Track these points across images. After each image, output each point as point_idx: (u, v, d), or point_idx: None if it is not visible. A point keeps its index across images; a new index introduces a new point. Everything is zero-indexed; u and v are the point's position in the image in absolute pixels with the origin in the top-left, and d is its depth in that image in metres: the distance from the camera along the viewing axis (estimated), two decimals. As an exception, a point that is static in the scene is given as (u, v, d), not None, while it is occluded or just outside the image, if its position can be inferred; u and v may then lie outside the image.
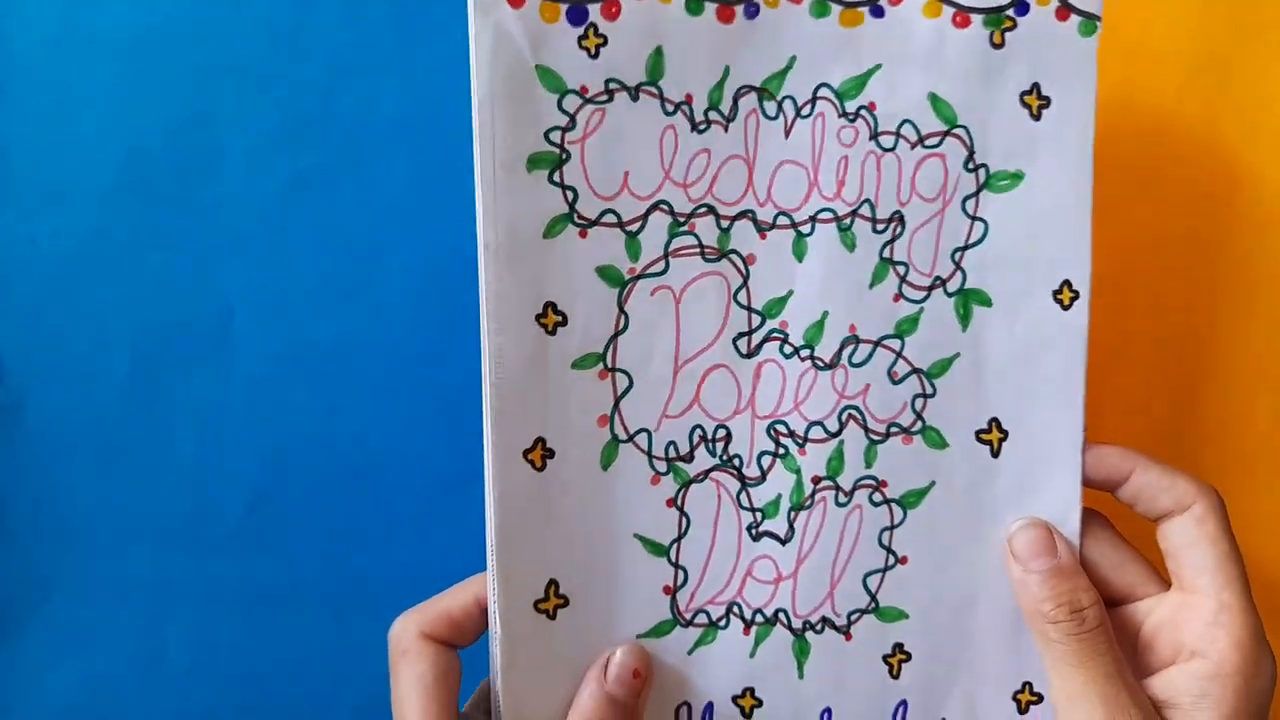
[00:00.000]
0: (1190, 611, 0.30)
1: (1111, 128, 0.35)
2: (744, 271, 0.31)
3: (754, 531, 0.32)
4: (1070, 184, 0.31)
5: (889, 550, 0.32)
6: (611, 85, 0.29)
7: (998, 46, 0.30)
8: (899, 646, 0.32)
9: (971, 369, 0.31)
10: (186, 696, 0.36)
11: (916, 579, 0.32)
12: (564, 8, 0.29)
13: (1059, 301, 0.31)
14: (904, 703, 0.32)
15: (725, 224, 0.30)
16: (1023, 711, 0.32)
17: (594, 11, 0.29)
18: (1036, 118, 0.31)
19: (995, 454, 0.32)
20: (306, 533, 0.36)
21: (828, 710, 0.32)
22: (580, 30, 0.29)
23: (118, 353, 0.36)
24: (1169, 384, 0.36)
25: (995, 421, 0.32)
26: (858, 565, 0.32)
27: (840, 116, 0.30)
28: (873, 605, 0.32)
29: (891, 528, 0.32)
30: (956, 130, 0.31)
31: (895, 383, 0.31)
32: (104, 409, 0.36)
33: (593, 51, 0.29)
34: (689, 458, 0.31)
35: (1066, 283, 0.31)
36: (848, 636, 0.32)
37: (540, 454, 0.30)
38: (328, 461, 0.36)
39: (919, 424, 0.32)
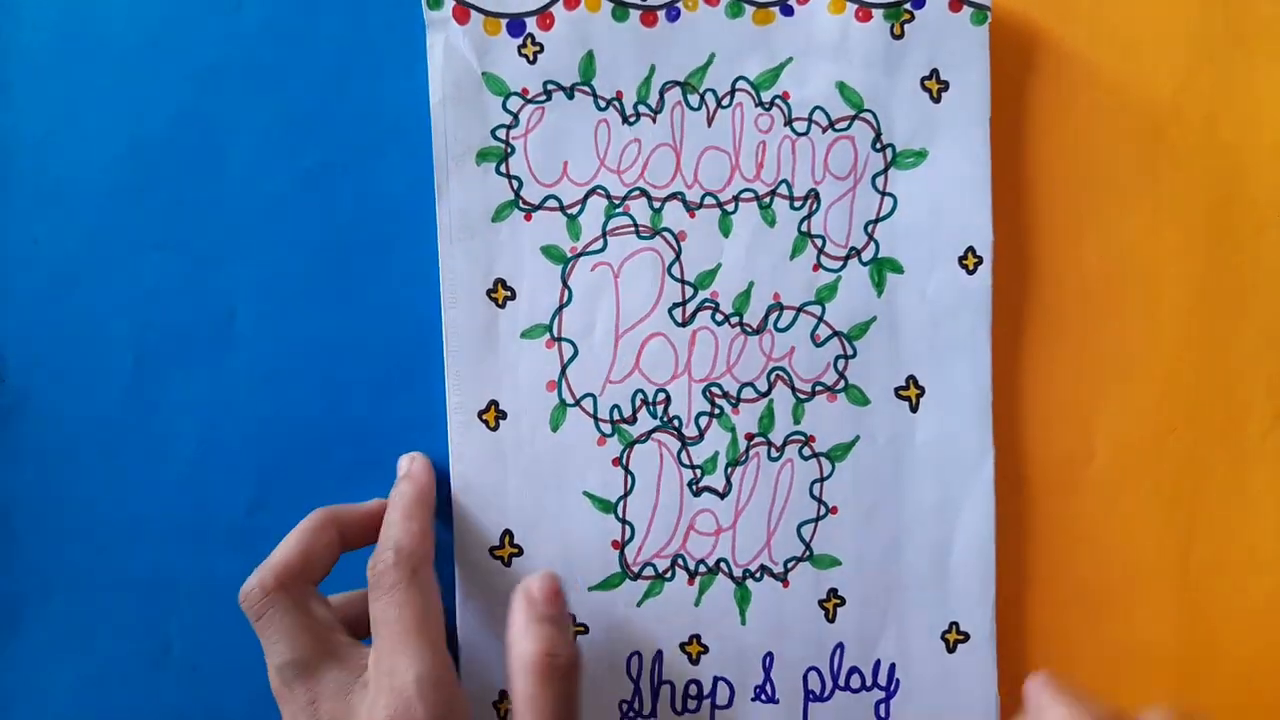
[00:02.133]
0: None
1: (1110, 128, 0.36)
2: (676, 247, 0.34)
3: (694, 487, 0.35)
4: (970, 159, 0.34)
5: (820, 501, 0.34)
6: (549, 86, 0.33)
7: (898, 37, 0.34)
8: (833, 591, 0.34)
9: (888, 331, 0.34)
10: (188, 696, 0.36)
11: (846, 527, 0.34)
12: (504, 22, 0.33)
13: (964, 267, 0.34)
14: (840, 645, 0.35)
15: (657, 205, 0.34)
16: (951, 650, 0.34)
17: (531, 23, 0.33)
18: (936, 100, 0.34)
19: (914, 409, 0.34)
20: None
21: (769, 654, 0.35)
22: (519, 40, 0.33)
23: (120, 352, 0.36)
24: (1168, 384, 0.36)
25: (912, 379, 0.34)
26: (792, 516, 0.34)
27: (757, 105, 0.34)
28: (807, 553, 0.34)
29: (821, 480, 0.34)
30: (864, 114, 0.34)
31: (818, 345, 0.34)
32: (106, 409, 0.36)
33: (531, 58, 0.33)
34: (632, 420, 0.34)
35: (970, 249, 0.34)
36: (785, 583, 0.35)
37: (494, 415, 0.34)
38: (329, 461, 0.36)
39: (842, 383, 0.34)
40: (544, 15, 0.33)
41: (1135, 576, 0.36)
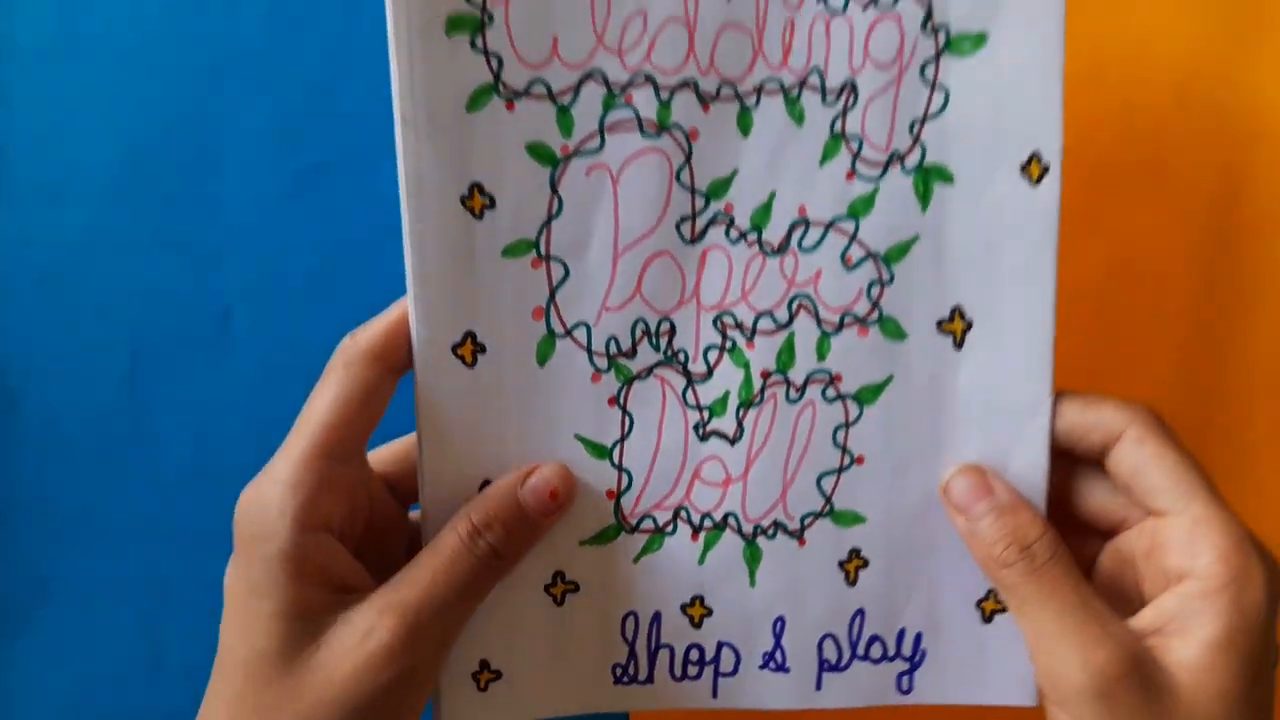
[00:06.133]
0: (1166, 534, 0.28)
1: (1113, 129, 0.35)
2: (686, 148, 0.29)
3: (701, 431, 0.30)
4: (1039, 44, 0.28)
5: (844, 450, 0.30)
6: (536, -62, 0.27)
7: None
8: (855, 552, 0.30)
9: (932, 253, 0.29)
10: (184, 697, 0.34)
11: (874, 480, 0.30)
12: None
13: (1027, 176, 0.29)
14: (861, 611, 0.30)
15: (665, 95, 0.28)
16: (986, 620, 0.30)
17: None
18: (1002, -27, 0.28)
19: (959, 345, 0.30)
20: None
21: (780, 619, 0.30)
22: (498, -122, 0.26)
23: (115, 353, 0.36)
24: (1171, 385, 0.35)
25: (958, 310, 0.29)
26: (811, 466, 0.30)
27: (787, -24, 0.28)
28: (827, 508, 0.30)
29: (846, 425, 0.30)
30: (914, -11, 0.28)
31: (849, 269, 0.29)
32: (101, 409, 0.36)
33: (514, -100, 0.27)
34: (631, 353, 0.29)
35: (1035, 155, 0.29)
36: (801, 541, 0.30)
37: (471, 349, 0.28)
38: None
39: (875, 314, 0.29)
40: None
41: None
